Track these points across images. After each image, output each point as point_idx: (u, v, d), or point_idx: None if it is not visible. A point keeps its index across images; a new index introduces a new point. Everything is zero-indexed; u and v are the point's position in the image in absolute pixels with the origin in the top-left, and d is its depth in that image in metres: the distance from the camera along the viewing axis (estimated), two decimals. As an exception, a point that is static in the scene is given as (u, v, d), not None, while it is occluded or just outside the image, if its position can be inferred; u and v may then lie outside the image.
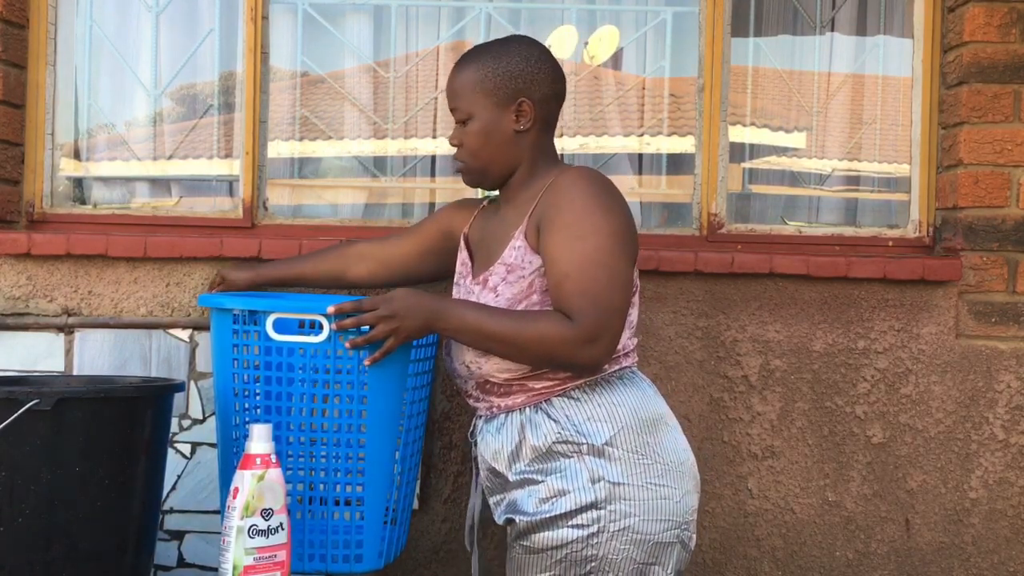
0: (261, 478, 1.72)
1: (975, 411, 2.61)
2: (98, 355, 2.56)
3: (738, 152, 2.86)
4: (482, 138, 1.86)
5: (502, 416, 1.86)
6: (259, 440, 1.74)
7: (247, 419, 1.96)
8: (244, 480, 1.72)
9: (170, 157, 2.84)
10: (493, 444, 1.86)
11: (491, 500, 1.89)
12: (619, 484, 1.73)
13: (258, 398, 1.94)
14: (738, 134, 2.86)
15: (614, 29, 2.89)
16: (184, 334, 2.57)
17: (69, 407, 1.85)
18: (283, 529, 1.75)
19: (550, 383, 1.79)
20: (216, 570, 2.12)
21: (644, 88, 2.89)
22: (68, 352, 2.55)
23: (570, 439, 1.76)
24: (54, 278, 2.56)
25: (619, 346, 1.80)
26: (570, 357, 1.71)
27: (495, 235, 1.92)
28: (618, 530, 1.71)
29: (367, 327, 1.79)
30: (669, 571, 1.76)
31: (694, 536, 1.82)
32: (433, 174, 2.90)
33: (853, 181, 2.90)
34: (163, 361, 2.56)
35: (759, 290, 2.62)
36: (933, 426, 2.61)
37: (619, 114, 2.90)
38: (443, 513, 2.58)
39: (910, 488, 2.61)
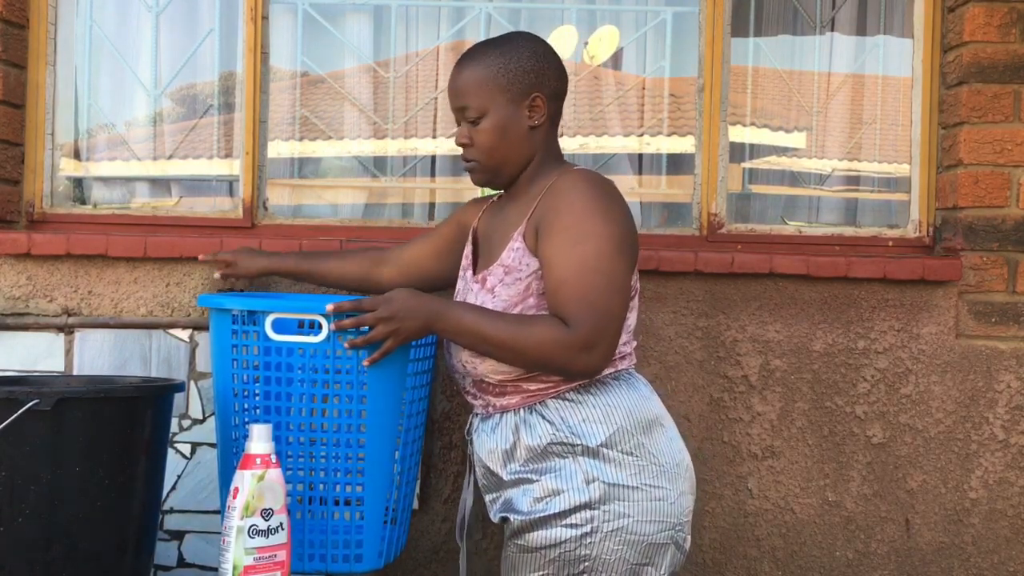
0: (261, 478, 1.72)
1: (975, 411, 2.61)
2: (98, 355, 2.56)
3: (738, 152, 2.86)
4: (497, 135, 1.84)
5: (497, 416, 1.86)
6: (259, 440, 1.74)
7: (246, 419, 1.96)
8: (244, 480, 1.72)
9: (170, 157, 2.84)
10: (488, 443, 1.87)
11: (487, 498, 1.89)
12: (613, 485, 1.73)
13: (257, 398, 1.94)
14: (738, 134, 2.86)
15: (614, 29, 2.89)
16: (184, 334, 2.57)
17: (69, 407, 1.85)
18: (283, 529, 1.75)
19: (544, 385, 1.79)
20: (216, 570, 2.12)
21: (644, 88, 2.89)
22: (68, 352, 2.55)
23: (565, 440, 1.76)
24: (54, 278, 2.56)
25: (621, 345, 1.80)
26: (567, 363, 1.71)
27: (498, 232, 1.91)
28: (611, 531, 1.71)
29: (366, 327, 1.79)
30: (663, 572, 1.76)
31: (689, 537, 1.81)
32: (433, 174, 2.90)
33: (853, 181, 2.90)
34: (163, 361, 2.56)
35: (759, 290, 2.61)
36: (933, 426, 2.61)
37: (619, 114, 2.90)
38: (443, 513, 2.58)
39: (910, 488, 2.61)
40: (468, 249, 2.01)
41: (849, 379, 2.61)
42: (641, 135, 2.89)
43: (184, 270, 2.57)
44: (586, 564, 1.72)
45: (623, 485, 1.73)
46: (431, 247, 2.18)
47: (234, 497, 1.72)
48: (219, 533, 1.76)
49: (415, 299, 1.77)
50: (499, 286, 1.81)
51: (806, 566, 2.62)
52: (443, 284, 2.15)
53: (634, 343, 1.89)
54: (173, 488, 2.54)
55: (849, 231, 2.77)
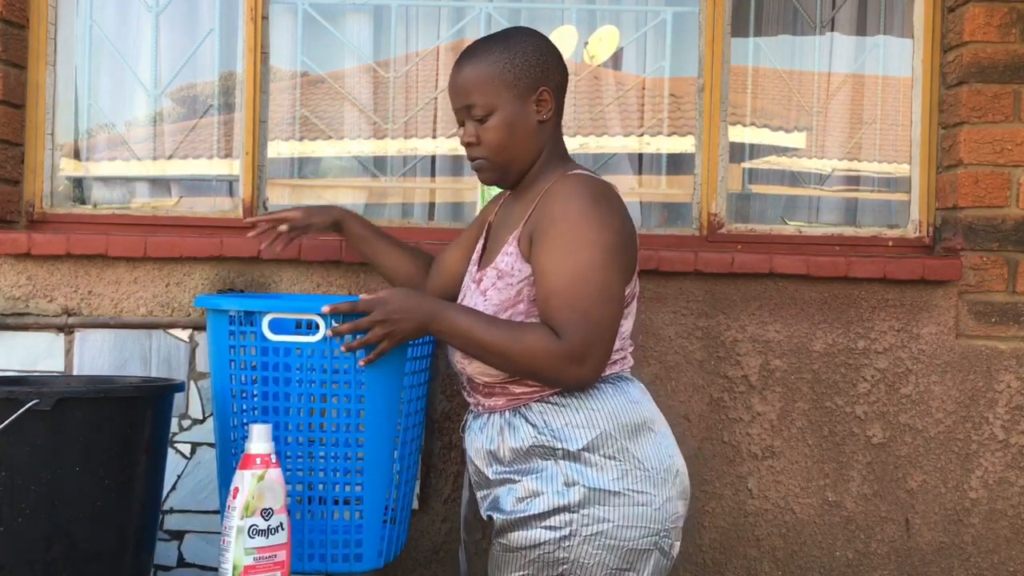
0: (261, 478, 1.72)
1: (975, 411, 2.61)
2: (98, 355, 2.56)
3: (738, 152, 2.86)
4: (506, 132, 1.80)
5: (486, 415, 1.86)
6: (259, 440, 1.74)
7: (245, 420, 1.96)
8: (244, 480, 1.72)
9: (170, 157, 2.84)
10: (476, 442, 1.87)
11: (478, 495, 1.89)
12: (594, 489, 1.70)
13: (255, 399, 1.94)
14: (738, 134, 2.86)
15: (614, 29, 2.89)
16: (184, 334, 2.57)
17: (69, 407, 1.85)
18: (283, 529, 1.75)
19: (529, 389, 1.78)
20: (216, 570, 2.13)
21: (644, 88, 2.89)
22: (68, 352, 2.55)
23: (547, 444, 1.74)
24: (54, 278, 2.56)
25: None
26: (558, 375, 1.69)
27: (501, 231, 1.89)
28: (590, 535, 1.69)
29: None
30: None
31: (677, 543, 1.77)
32: (433, 174, 2.90)
33: (853, 181, 2.90)
34: (163, 361, 2.56)
35: (759, 290, 2.61)
36: (933, 426, 2.61)
37: (619, 114, 2.90)
38: (443, 513, 2.58)
39: (910, 488, 2.61)
40: (480, 243, 1.99)
41: (849, 379, 2.61)
42: (641, 135, 2.89)
43: (184, 270, 2.57)
44: (565, 567, 1.70)
45: (604, 490, 1.70)
46: (461, 253, 2.12)
47: (234, 497, 1.72)
48: (219, 533, 1.76)
49: (411, 300, 1.76)
50: (491, 289, 1.79)
51: (806, 566, 2.62)
52: None
53: (630, 347, 1.86)
54: (173, 488, 2.55)
55: (849, 231, 2.77)
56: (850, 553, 2.62)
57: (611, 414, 1.75)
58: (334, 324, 1.84)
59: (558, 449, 1.73)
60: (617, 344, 1.78)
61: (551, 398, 1.77)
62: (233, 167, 2.77)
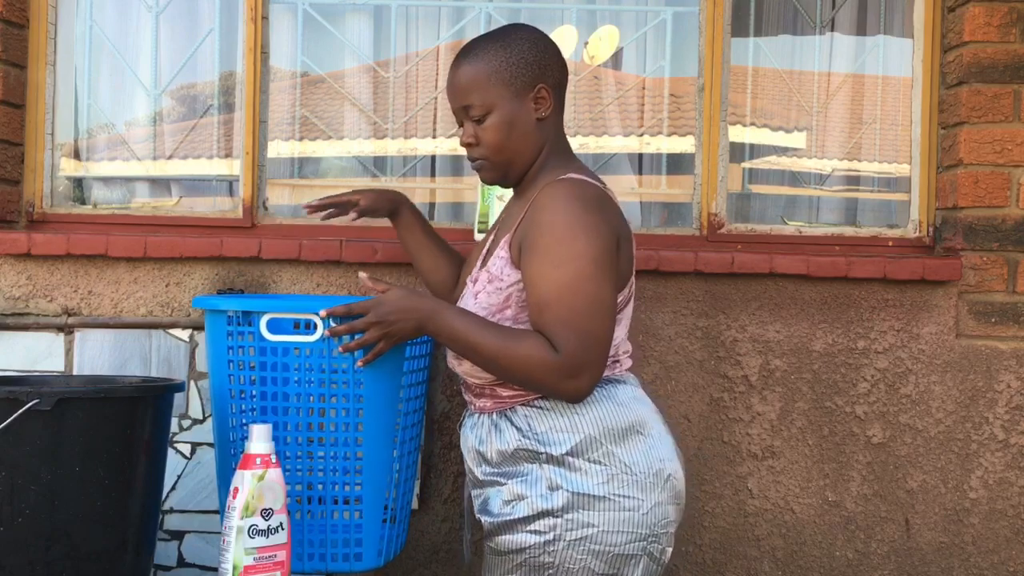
0: (261, 478, 1.72)
1: (975, 411, 2.61)
2: (98, 355, 2.56)
3: (738, 152, 2.86)
4: (504, 131, 1.78)
5: (476, 415, 1.85)
6: (259, 440, 1.74)
7: (244, 420, 1.96)
8: (244, 480, 1.72)
9: (170, 157, 2.84)
10: (468, 441, 1.86)
11: (472, 494, 1.89)
12: (578, 494, 1.69)
13: (254, 399, 1.94)
14: (738, 134, 2.86)
15: (614, 29, 2.89)
16: (184, 334, 2.57)
17: (69, 407, 1.85)
18: (283, 529, 1.75)
19: (515, 392, 1.76)
20: (216, 570, 2.13)
21: (644, 88, 2.89)
22: (68, 352, 2.56)
23: (530, 448, 1.73)
24: (54, 278, 2.57)
25: None
26: (553, 386, 1.67)
27: (501, 230, 1.86)
28: (575, 539, 1.68)
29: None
30: None
31: (668, 549, 1.75)
32: (433, 174, 2.90)
33: (853, 181, 2.90)
34: (163, 361, 2.56)
35: (759, 290, 2.61)
36: (933, 426, 2.61)
37: (619, 114, 2.90)
38: (443, 513, 2.58)
39: (910, 488, 2.61)
40: (487, 242, 1.97)
41: (849, 379, 2.61)
42: (641, 135, 2.89)
43: (184, 270, 2.57)
44: (550, 572, 1.69)
45: (588, 494, 1.68)
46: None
47: (234, 497, 1.72)
48: (219, 533, 1.76)
49: (408, 300, 1.75)
50: (482, 292, 1.78)
51: (806, 566, 2.62)
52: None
53: (624, 352, 1.83)
54: (173, 488, 2.55)
55: (849, 231, 2.77)
56: (850, 553, 2.62)
57: (596, 418, 1.72)
58: (332, 324, 1.84)
59: (542, 453, 1.72)
60: (611, 350, 1.75)
61: (535, 402, 1.75)
62: (233, 167, 2.77)
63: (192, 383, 2.56)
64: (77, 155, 2.80)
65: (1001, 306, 2.60)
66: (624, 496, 1.69)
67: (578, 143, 2.85)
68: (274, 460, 1.75)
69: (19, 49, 2.64)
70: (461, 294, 1.90)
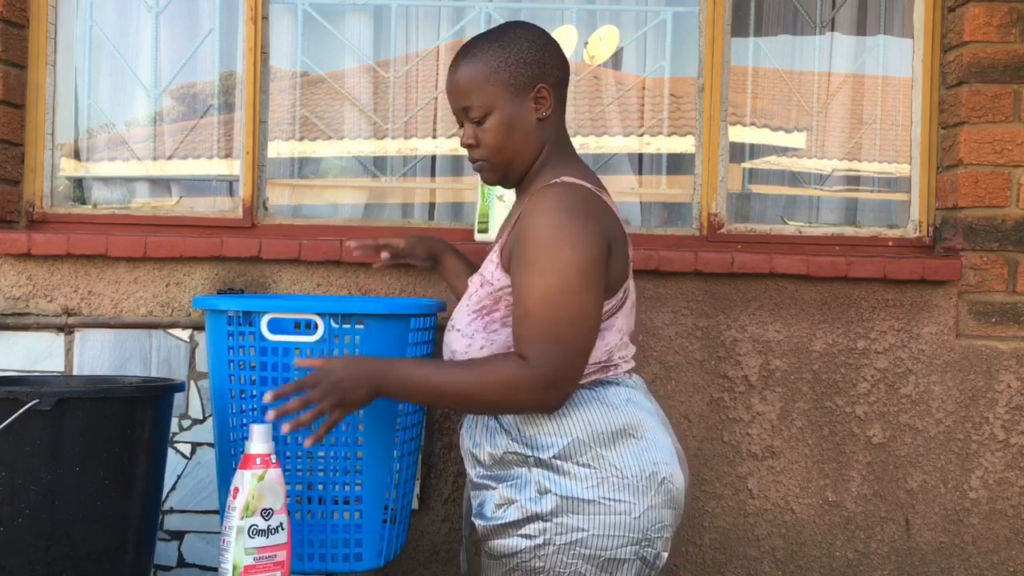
0: (261, 478, 1.72)
1: (975, 411, 2.61)
2: (98, 355, 2.56)
3: (738, 152, 2.86)
4: (504, 132, 1.75)
5: (471, 417, 1.84)
6: (259, 440, 1.74)
7: (244, 420, 1.96)
8: (244, 480, 1.71)
9: (170, 157, 2.84)
10: (464, 442, 1.85)
11: (471, 495, 1.88)
12: (568, 498, 1.67)
13: (255, 399, 1.94)
14: (738, 134, 2.86)
15: (614, 29, 2.89)
16: (184, 334, 2.57)
17: (69, 407, 1.85)
18: (283, 529, 1.75)
19: None
20: (216, 570, 2.13)
21: (644, 88, 2.89)
22: (68, 352, 2.56)
23: (519, 451, 1.71)
24: (54, 278, 2.57)
25: (589, 364, 1.73)
26: (530, 402, 1.65)
27: (502, 231, 1.87)
28: (565, 543, 1.66)
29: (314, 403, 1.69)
30: None
31: (663, 553, 1.72)
32: (433, 174, 2.90)
33: (853, 181, 2.90)
34: (163, 361, 2.56)
35: (759, 290, 2.61)
36: (933, 426, 2.61)
37: (619, 114, 2.90)
38: (443, 513, 2.58)
39: (910, 488, 2.61)
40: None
41: (849, 379, 2.61)
42: (641, 135, 2.88)
43: (184, 270, 2.57)
44: None
45: (578, 498, 1.66)
46: None
47: (234, 497, 1.71)
48: (219, 533, 1.76)
49: (356, 363, 1.71)
50: (475, 293, 1.77)
51: (806, 566, 2.62)
52: None
53: (620, 356, 1.79)
54: (173, 488, 2.55)
55: (849, 231, 2.77)
56: (850, 553, 2.62)
57: (585, 421, 1.70)
58: (332, 324, 1.83)
59: (530, 457, 1.70)
60: (603, 356, 1.74)
61: None
62: (233, 167, 2.77)
63: (192, 383, 2.56)
64: (77, 155, 2.80)
65: (1001, 306, 2.60)
66: (615, 500, 1.67)
67: (578, 143, 2.84)
68: (274, 460, 1.74)
69: (19, 49, 2.64)
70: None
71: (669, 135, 2.87)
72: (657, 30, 2.86)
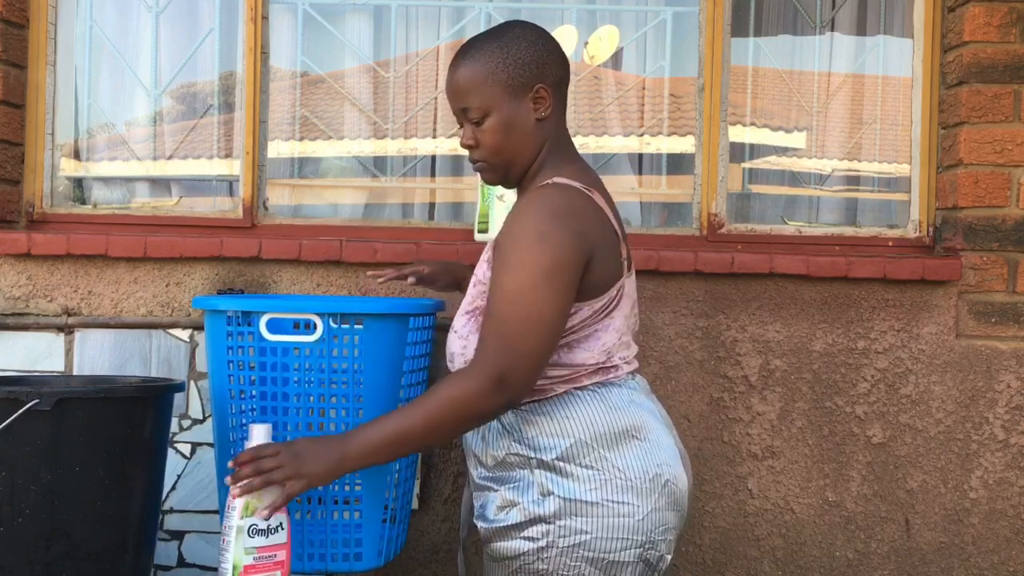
0: (260, 478, 1.72)
1: (975, 411, 2.61)
2: (98, 355, 2.56)
3: (738, 152, 2.86)
4: (502, 133, 1.74)
5: None
6: (258, 440, 1.73)
7: (244, 420, 1.96)
8: (243, 480, 1.71)
9: (170, 157, 2.84)
10: (467, 441, 1.84)
11: (474, 495, 1.87)
12: (570, 500, 1.65)
13: (254, 399, 1.94)
14: (738, 134, 2.86)
15: (614, 29, 2.89)
16: (184, 334, 2.57)
17: (69, 407, 1.85)
18: (283, 529, 1.75)
19: None
20: (216, 570, 2.13)
21: (644, 88, 2.89)
22: (68, 352, 2.56)
23: (521, 452, 1.70)
24: (54, 278, 2.57)
25: (579, 366, 1.71)
26: (488, 407, 1.63)
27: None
28: (568, 546, 1.65)
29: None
30: None
31: (667, 556, 1.71)
32: (433, 174, 2.90)
33: (853, 181, 2.90)
34: (163, 361, 2.56)
35: (759, 290, 2.61)
36: (933, 426, 2.61)
37: (619, 114, 2.90)
38: (443, 513, 2.58)
39: (910, 488, 2.61)
40: None
41: (849, 379, 2.61)
42: (641, 135, 2.89)
43: (184, 270, 2.57)
44: None
45: (580, 500, 1.65)
46: None
47: (234, 497, 1.71)
48: (219, 533, 1.76)
49: (316, 440, 1.68)
50: (469, 294, 1.77)
51: (806, 566, 2.62)
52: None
53: (622, 355, 1.77)
54: (173, 488, 2.55)
55: (849, 231, 2.77)
56: (850, 553, 2.62)
57: (587, 422, 1.69)
58: (331, 324, 1.83)
59: (533, 458, 1.69)
60: (601, 357, 1.72)
61: (524, 406, 1.72)
62: (233, 167, 2.77)
63: (192, 383, 2.56)
64: (77, 155, 2.80)
65: (1001, 306, 2.60)
66: (618, 502, 1.66)
67: (578, 143, 2.82)
68: (274, 460, 1.74)
69: (19, 49, 2.64)
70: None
71: (669, 135, 2.88)
72: (657, 30, 2.86)
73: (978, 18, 2.58)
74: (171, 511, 2.55)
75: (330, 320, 1.90)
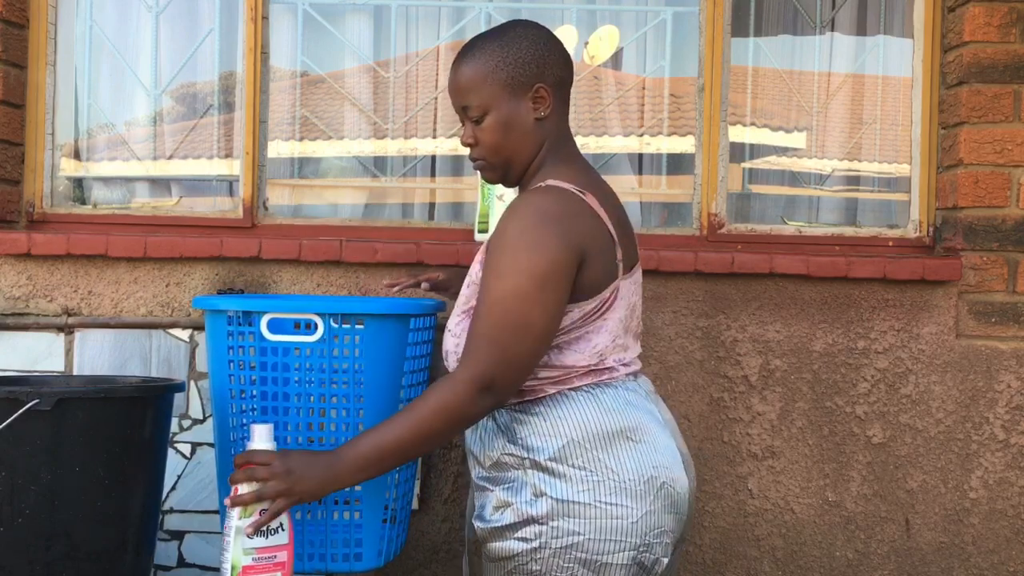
0: (260, 478, 1.72)
1: (975, 411, 2.61)
2: (98, 355, 2.56)
3: (738, 152, 2.86)
4: (501, 132, 1.74)
5: None
6: (260, 440, 1.73)
7: (244, 420, 1.96)
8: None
9: (170, 157, 2.84)
10: (466, 440, 1.84)
11: (474, 495, 1.87)
12: (563, 501, 1.65)
13: (255, 399, 1.94)
14: (738, 134, 2.86)
15: (614, 29, 2.89)
16: (184, 334, 2.57)
17: (69, 407, 1.85)
18: (283, 530, 1.74)
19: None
20: (216, 570, 2.13)
21: (644, 88, 2.89)
22: (68, 352, 2.56)
23: (515, 453, 1.70)
24: (54, 278, 2.57)
25: (569, 367, 1.71)
26: (476, 412, 1.64)
27: None
28: (561, 547, 1.64)
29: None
30: None
31: (663, 559, 1.69)
32: (433, 174, 2.90)
33: (853, 181, 2.90)
34: (163, 361, 2.56)
35: (759, 290, 2.62)
36: (933, 426, 2.61)
37: (619, 114, 2.90)
38: (443, 513, 2.58)
39: (910, 488, 2.61)
40: None
41: (849, 379, 2.61)
42: (641, 135, 2.89)
43: (184, 270, 2.57)
44: None
45: (574, 501, 1.64)
46: None
47: (227, 506, 1.71)
48: (219, 533, 1.76)
49: (310, 453, 1.69)
50: (463, 294, 1.77)
51: (806, 566, 2.62)
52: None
53: (618, 357, 1.76)
54: (173, 488, 2.55)
55: (849, 231, 2.77)
56: (850, 553, 2.62)
57: (580, 423, 1.68)
58: (332, 324, 1.83)
59: (526, 459, 1.69)
60: (593, 359, 1.71)
61: (518, 406, 1.72)
62: (233, 167, 2.77)
63: (192, 383, 2.56)
64: (77, 155, 2.80)
65: (1001, 306, 2.60)
66: (611, 504, 1.65)
67: (578, 143, 2.79)
68: (274, 460, 1.74)
69: (19, 49, 2.64)
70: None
71: (669, 135, 2.88)
72: (657, 30, 2.86)
73: (978, 18, 2.58)
74: (171, 511, 2.55)
75: (331, 320, 1.90)
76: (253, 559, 1.70)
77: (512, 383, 1.64)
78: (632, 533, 1.65)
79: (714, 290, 2.61)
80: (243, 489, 1.64)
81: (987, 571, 2.61)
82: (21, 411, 1.80)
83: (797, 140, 2.92)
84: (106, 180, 2.84)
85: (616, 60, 2.92)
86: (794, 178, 2.92)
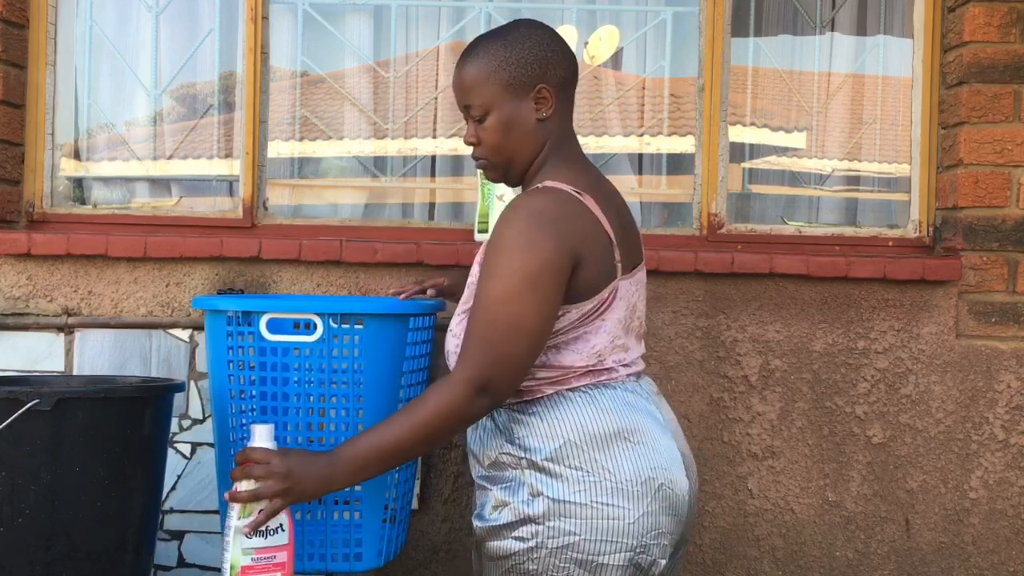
0: (260, 478, 1.72)
1: (975, 411, 2.61)
2: (98, 355, 2.56)
3: (738, 152, 2.86)
4: (503, 132, 1.75)
5: None
6: (260, 440, 1.73)
7: (244, 420, 1.96)
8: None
9: (170, 157, 2.84)
10: (468, 438, 1.84)
11: (477, 493, 1.87)
12: (560, 501, 1.65)
13: (254, 399, 1.94)
14: (738, 134, 2.86)
15: (614, 29, 2.89)
16: (184, 334, 2.57)
17: (69, 407, 1.85)
18: (283, 530, 1.74)
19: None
20: (217, 570, 2.13)
21: (644, 88, 2.89)
22: (68, 352, 2.56)
23: (513, 453, 1.70)
24: (54, 278, 2.57)
25: (567, 368, 1.71)
26: (473, 413, 1.64)
27: None
28: (558, 547, 1.64)
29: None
30: None
31: (661, 560, 1.69)
32: (433, 174, 2.90)
33: (853, 181, 2.90)
34: (163, 361, 2.56)
35: (759, 290, 2.62)
36: (933, 426, 2.61)
37: (619, 114, 2.90)
38: (443, 513, 2.58)
39: (910, 488, 2.61)
40: None
41: (849, 379, 2.61)
42: (641, 135, 2.89)
43: (184, 270, 2.57)
44: None
45: (571, 502, 1.64)
46: None
47: (227, 500, 1.71)
48: (219, 533, 1.76)
49: (308, 453, 1.69)
50: (463, 293, 1.79)
51: (806, 566, 2.62)
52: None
53: (618, 358, 1.75)
54: (173, 488, 2.55)
55: (849, 231, 2.77)
56: (850, 553, 2.62)
57: (577, 424, 1.68)
58: (331, 324, 1.83)
59: (523, 459, 1.69)
60: (591, 360, 1.71)
61: (515, 406, 1.72)
62: (233, 167, 2.77)
63: (192, 383, 2.56)
64: (77, 155, 2.80)
65: (1001, 306, 2.60)
66: (607, 504, 1.65)
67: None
68: (274, 460, 1.74)
69: (19, 49, 2.64)
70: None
71: (669, 135, 2.88)
72: (657, 30, 2.86)
73: (978, 18, 2.58)
74: (171, 511, 2.55)
75: (330, 320, 1.90)
76: (252, 559, 1.70)
77: (508, 383, 1.65)
78: (628, 534, 1.65)
79: (714, 290, 2.61)
80: (241, 487, 1.64)
81: (987, 571, 2.61)
82: (21, 411, 1.80)
83: (797, 140, 2.92)
84: (106, 180, 2.84)
85: (616, 60, 2.92)
86: (794, 178, 2.92)
